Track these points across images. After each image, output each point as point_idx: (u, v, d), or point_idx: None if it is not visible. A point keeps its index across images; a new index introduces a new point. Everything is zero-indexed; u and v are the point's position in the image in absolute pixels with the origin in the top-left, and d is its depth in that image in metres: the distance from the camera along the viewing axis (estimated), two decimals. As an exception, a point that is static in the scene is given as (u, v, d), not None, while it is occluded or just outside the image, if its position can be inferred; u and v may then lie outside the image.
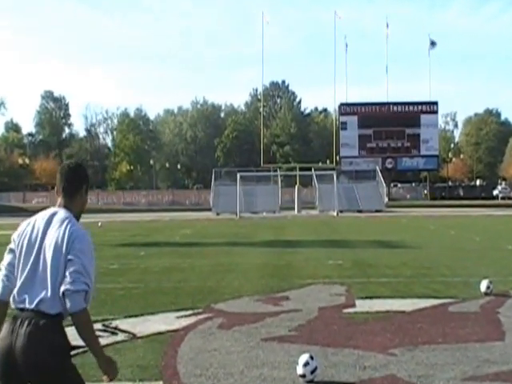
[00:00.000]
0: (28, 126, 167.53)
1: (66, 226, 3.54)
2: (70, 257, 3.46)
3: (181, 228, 32.47)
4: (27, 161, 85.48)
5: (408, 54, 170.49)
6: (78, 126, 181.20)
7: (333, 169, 60.26)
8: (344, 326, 8.47)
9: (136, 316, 9.26)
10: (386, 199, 61.39)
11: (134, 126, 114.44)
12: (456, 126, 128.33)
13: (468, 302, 10.07)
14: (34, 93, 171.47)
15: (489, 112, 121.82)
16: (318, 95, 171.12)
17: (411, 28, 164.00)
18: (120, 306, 10.05)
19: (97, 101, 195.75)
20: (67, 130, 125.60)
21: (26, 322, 3.45)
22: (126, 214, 56.89)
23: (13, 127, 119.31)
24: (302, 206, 54.79)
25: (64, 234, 3.50)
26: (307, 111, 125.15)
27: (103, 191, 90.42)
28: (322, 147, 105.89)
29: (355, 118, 70.85)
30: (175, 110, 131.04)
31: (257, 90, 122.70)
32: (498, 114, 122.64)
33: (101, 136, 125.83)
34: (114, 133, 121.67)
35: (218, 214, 51.87)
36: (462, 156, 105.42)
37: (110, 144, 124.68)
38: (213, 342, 7.68)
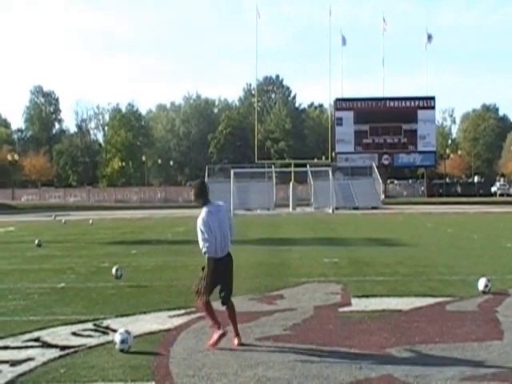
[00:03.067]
0: (17, 122, 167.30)
1: None
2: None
3: (173, 226, 32.35)
4: (16, 157, 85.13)
5: (405, 49, 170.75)
6: (68, 121, 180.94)
7: (328, 165, 60.23)
8: (340, 326, 8.36)
9: (128, 315, 9.13)
10: (383, 196, 61.44)
11: (126, 121, 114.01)
12: (454, 121, 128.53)
13: (466, 300, 9.97)
14: (23, 88, 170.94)
15: (486, 107, 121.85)
16: (313, 90, 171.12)
17: (408, 22, 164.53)
18: (111, 305, 9.91)
19: (88, 96, 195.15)
20: (57, 126, 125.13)
21: None
22: (118, 211, 56.77)
23: (1, 123, 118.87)
24: (296, 203, 54.76)
25: None
26: (302, 106, 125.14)
27: (94, 188, 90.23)
28: (318, 143, 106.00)
29: (351, 113, 70.87)
30: (168, 106, 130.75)
31: (251, 85, 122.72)
32: (496, 110, 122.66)
33: (92, 132, 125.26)
34: (106, 128, 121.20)
35: (212, 211, 51.69)
36: (459, 152, 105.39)
37: (101, 140, 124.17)
38: (206, 341, 7.56)
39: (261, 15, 67.97)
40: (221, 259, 7.50)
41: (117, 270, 12.59)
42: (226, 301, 7.60)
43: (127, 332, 7.31)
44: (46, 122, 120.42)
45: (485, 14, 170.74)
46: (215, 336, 7.34)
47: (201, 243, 7.34)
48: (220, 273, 7.47)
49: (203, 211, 7.53)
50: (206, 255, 7.34)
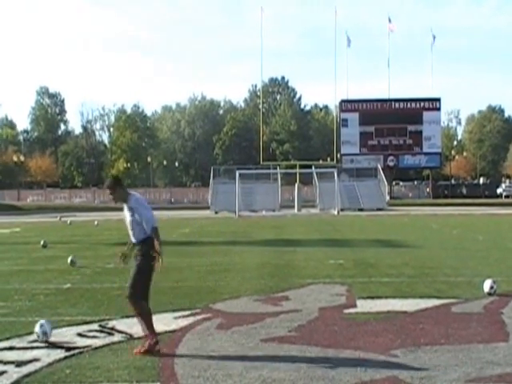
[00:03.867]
0: (23, 123, 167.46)
1: None
2: None
3: (179, 227, 32.36)
4: (22, 158, 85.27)
5: (410, 50, 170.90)
6: (73, 122, 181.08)
7: (333, 166, 60.19)
8: (345, 327, 8.34)
9: (133, 316, 9.09)
10: (388, 197, 61.32)
11: (131, 122, 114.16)
12: (459, 123, 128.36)
13: (471, 302, 9.94)
14: (28, 89, 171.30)
15: (492, 109, 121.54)
16: (318, 92, 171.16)
17: (413, 23, 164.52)
18: (117, 306, 9.90)
19: (93, 97, 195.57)
20: (63, 127, 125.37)
21: None
22: (123, 212, 56.73)
23: (7, 124, 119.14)
24: (302, 204, 54.73)
25: None
26: (307, 108, 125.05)
27: (99, 189, 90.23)
28: (323, 145, 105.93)
29: (356, 114, 70.77)
30: (173, 107, 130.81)
31: (256, 86, 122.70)
32: (502, 111, 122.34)
33: (97, 133, 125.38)
34: (111, 130, 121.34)
35: (216, 213, 51.79)
36: (465, 153, 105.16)
37: (106, 141, 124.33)
38: (211, 342, 7.56)
39: (266, 16, 68.03)
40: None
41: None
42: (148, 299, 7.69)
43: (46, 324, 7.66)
44: (51, 123, 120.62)
45: (491, 14, 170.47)
46: (146, 344, 7.21)
47: (154, 222, 7.81)
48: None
49: (137, 195, 7.97)
50: (150, 236, 7.77)
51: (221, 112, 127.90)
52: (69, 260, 15.40)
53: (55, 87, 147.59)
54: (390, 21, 72.90)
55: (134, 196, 7.79)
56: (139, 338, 7.82)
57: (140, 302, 7.42)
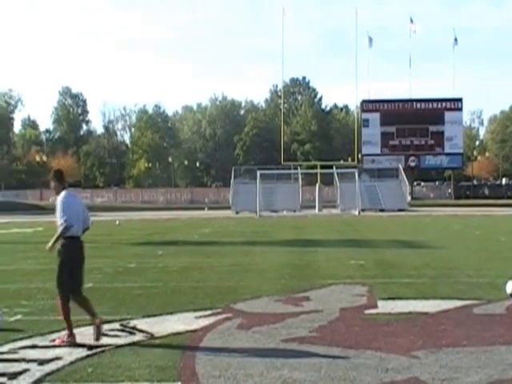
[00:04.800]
0: (45, 123, 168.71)
1: None
2: None
3: (199, 227, 32.43)
4: (44, 158, 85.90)
5: (432, 50, 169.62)
6: (95, 122, 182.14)
7: (354, 167, 59.94)
8: (366, 328, 8.32)
9: (154, 316, 9.17)
10: (409, 198, 60.97)
11: (152, 122, 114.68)
12: (481, 123, 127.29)
13: (493, 303, 9.87)
14: (51, 89, 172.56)
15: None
16: (339, 92, 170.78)
17: (435, 23, 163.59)
18: (138, 306, 9.97)
19: (115, 97, 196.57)
20: (85, 127, 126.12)
21: None
22: (144, 212, 57.08)
23: (30, 124, 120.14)
24: (322, 204, 54.61)
25: None
26: (328, 108, 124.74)
27: (121, 189, 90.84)
28: (344, 145, 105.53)
29: (377, 114, 70.50)
30: (194, 107, 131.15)
31: (277, 87, 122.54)
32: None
33: (119, 133, 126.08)
34: (132, 130, 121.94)
35: (237, 213, 51.84)
36: (487, 154, 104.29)
37: (127, 141, 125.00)
38: (232, 342, 7.57)
39: (287, 16, 67.95)
40: (80, 241, 7.84)
41: None
42: (81, 291, 7.83)
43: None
44: (73, 123, 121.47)
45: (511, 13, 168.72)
46: (63, 339, 7.66)
47: (62, 219, 7.60)
48: (79, 259, 7.82)
49: (64, 193, 7.90)
50: (64, 235, 7.62)
51: (242, 112, 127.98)
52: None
53: (77, 87, 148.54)
54: (411, 21, 72.50)
55: (63, 193, 7.93)
56: (160, 338, 7.86)
57: (65, 295, 7.67)
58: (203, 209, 60.14)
